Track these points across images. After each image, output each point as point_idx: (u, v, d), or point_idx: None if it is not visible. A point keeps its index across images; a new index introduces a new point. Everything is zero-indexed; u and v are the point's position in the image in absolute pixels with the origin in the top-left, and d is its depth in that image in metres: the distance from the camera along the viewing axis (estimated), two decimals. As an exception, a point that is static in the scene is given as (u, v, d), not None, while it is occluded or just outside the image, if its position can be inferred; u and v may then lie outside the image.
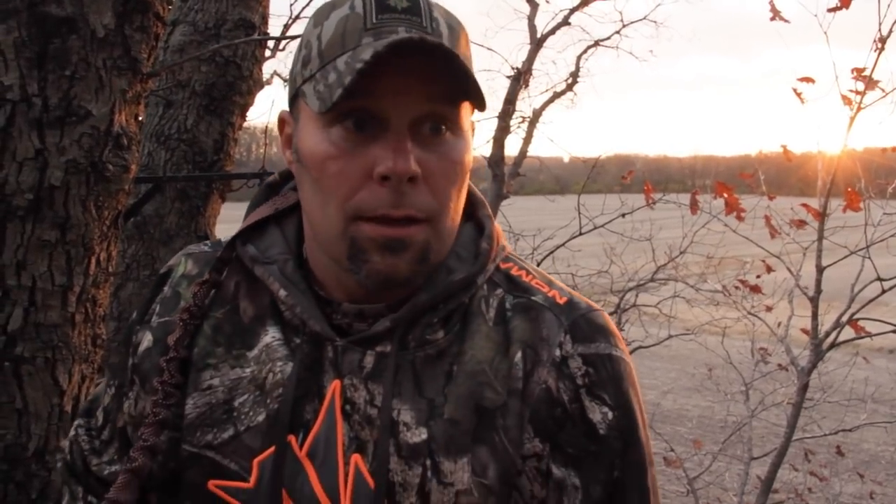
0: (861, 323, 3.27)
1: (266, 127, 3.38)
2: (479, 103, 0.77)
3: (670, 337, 5.12)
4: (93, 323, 1.60)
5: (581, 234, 4.47)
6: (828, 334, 3.26)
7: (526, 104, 7.78)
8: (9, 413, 1.49)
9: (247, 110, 2.86)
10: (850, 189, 3.25)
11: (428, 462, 0.78)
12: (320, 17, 0.79)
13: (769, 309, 4.51)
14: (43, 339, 1.51)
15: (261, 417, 0.82)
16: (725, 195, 3.52)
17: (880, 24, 2.94)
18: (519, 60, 6.86)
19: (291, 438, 0.80)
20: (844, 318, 3.25)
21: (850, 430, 4.20)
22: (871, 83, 2.95)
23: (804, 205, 3.39)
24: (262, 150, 3.35)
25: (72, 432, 1.00)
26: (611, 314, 4.96)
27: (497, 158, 6.41)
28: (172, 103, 2.72)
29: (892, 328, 3.18)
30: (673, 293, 5.43)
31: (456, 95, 0.76)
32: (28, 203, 1.45)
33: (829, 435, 4.30)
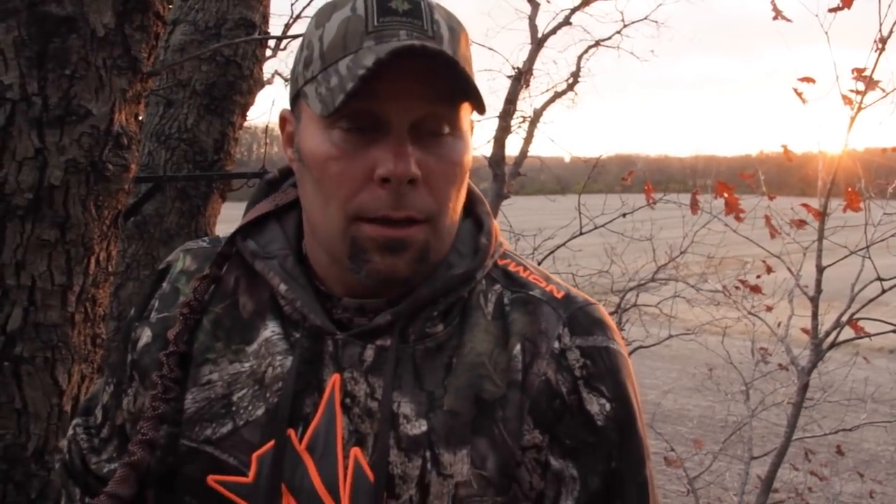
0: (861, 323, 3.28)
1: (267, 126, 3.38)
2: (479, 106, 0.78)
3: (671, 337, 5.12)
4: (92, 323, 1.60)
5: (582, 233, 4.47)
6: (828, 334, 3.26)
7: (527, 104, 7.78)
8: (8, 413, 1.49)
9: (247, 110, 2.86)
10: (850, 189, 3.25)
11: (428, 454, 0.79)
12: (322, 17, 0.79)
13: (769, 309, 4.52)
14: (42, 338, 1.51)
15: (260, 412, 0.82)
16: (726, 195, 3.52)
17: (881, 24, 2.94)
18: (520, 60, 6.87)
19: (291, 432, 0.81)
20: (844, 318, 3.25)
21: (850, 430, 4.20)
22: (871, 83, 2.95)
23: (804, 205, 3.39)
24: (262, 150, 3.35)
25: (70, 431, 1.00)
26: (611, 314, 4.94)
27: (498, 158, 6.41)
28: (173, 103, 2.72)
29: (892, 328, 3.18)
30: (673, 293, 5.43)
31: (456, 96, 0.77)
32: (28, 202, 1.45)
33: (830, 434, 4.30)
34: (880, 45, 2.94)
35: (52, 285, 1.50)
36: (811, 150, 3.48)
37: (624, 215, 4.69)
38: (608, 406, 0.82)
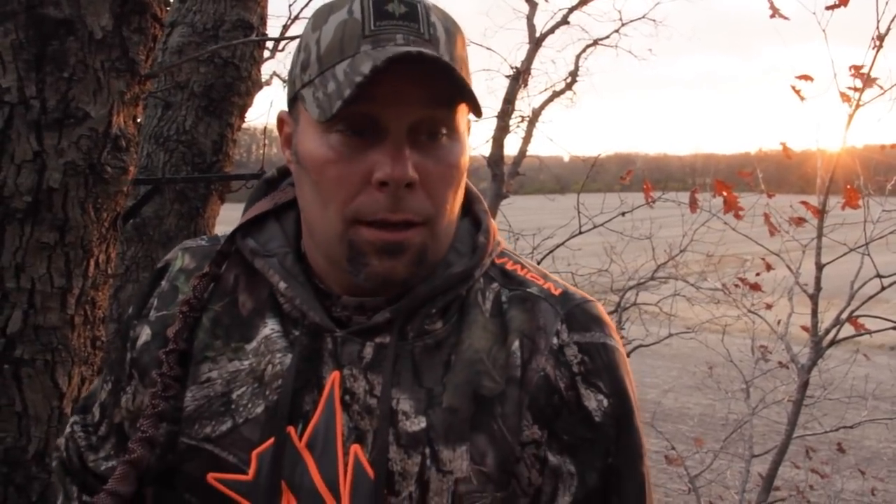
0: (861, 320, 3.28)
1: (265, 128, 3.38)
2: (475, 109, 0.78)
3: (671, 335, 5.12)
4: (92, 325, 1.61)
5: (581, 232, 4.47)
6: (828, 331, 3.26)
7: (525, 103, 7.78)
8: (8, 416, 1.49)
9: (245, 111, 2.86)
10: (849, 186, 3.25)
11: (427, 450, 0.79)
12: (319, 20, 0.79)
13: (769, 307, 4.52)
14: (42, 341, 1.51)
15: (259, 409, 0.82)
16: (724, 193, 3.53)
17: (878, 21, 2.94)
18: (518, 60, 6.88)
19: (290, 429, 0.81)
20: (844, 316, 3.25)
21: (851, 427, 4.20)
22: (869, 80, 2.95)
23: (803, 202, 3.39)
24: (261, 151, 3.36)
25: (67, 429, 1.00)
26: (611, 313, 4.96)
27: (497, 158, 6.41)
28: (171, 105, 2.72)
29: (891, 325, 3.18)
30: (673, 291, 5.43)
31: (453, 99, 0.77)
32: (27, 205, 1.45)
33: (830, 432, 4.30)
34: (878, 42, 2.95)
35: (51, 288, 1.50)
36: (810, 148, 3.49)
37: (623, 214, 4.69)
38: (606, 402, 0.82)
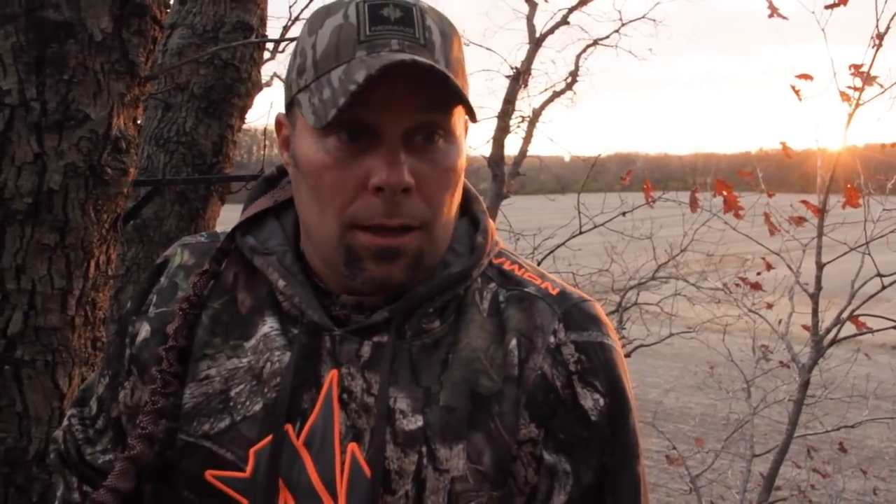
0: (862, 319, 3.28)
1: (265, 129, 3.39)
2: (470, 114, 0.79)
3: (672, 335, 5.12)
4: (93, 326, 1.61)
5: (581, 232, 4.47)
6: (828, 331, 3.26)
7: (525, 104, 7.78)
8: (9, 416, 1.50)
9: (246, 112, 2.86)
10: (849, 185, 3.25)
11: (424, 449, 0.79)
12: (315, 24, 0.80)
13: (770, 306, 4.52)
14: (43, 342, 1.51)
15: (257, 407, 0.83)
16: (725, 193, 3.53)
17: (878, 20, 2.95)
18: (518, 60, 6.87)
19: (288, 427, 0.81)
20: (845, 315, 3.25)
21: (852, 427, 4.20)
22: (869, 79, 2.95)
23: (804, 201, 3.39)
24: (262, 152, 3.36)
25: (65, 422, 1.00)
26: (612, 313, 4.97)
27: (497, 158, 6.41)
28: (171, 106, 2.72)
29: (892, 324, 3.18)
30: (674, 291, 5.43)
31: (448, 103, 0.78)
32: (27, 207, 1.45)
33: (832, 431, 4.30)
34: (877, 41, 2.95)
35: (52, 289, 1.51)
36: (810, 147, 3.49)
37: (624, 214, 4.70)
38: (602, 401, 0.83)
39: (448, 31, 0.80)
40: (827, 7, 3.05)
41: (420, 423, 0.80)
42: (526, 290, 0.86)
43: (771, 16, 3.23)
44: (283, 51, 5.13)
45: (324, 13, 0.79)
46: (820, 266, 3.19)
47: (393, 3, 0.77)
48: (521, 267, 0.89)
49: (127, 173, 1.58)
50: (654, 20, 7.94)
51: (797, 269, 3.59)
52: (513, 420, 0.81)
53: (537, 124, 7.22)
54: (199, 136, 2.73)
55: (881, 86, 3.00)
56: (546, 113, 7.38)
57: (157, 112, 2.74)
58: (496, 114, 6.56)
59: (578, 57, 7.57)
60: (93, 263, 1.57)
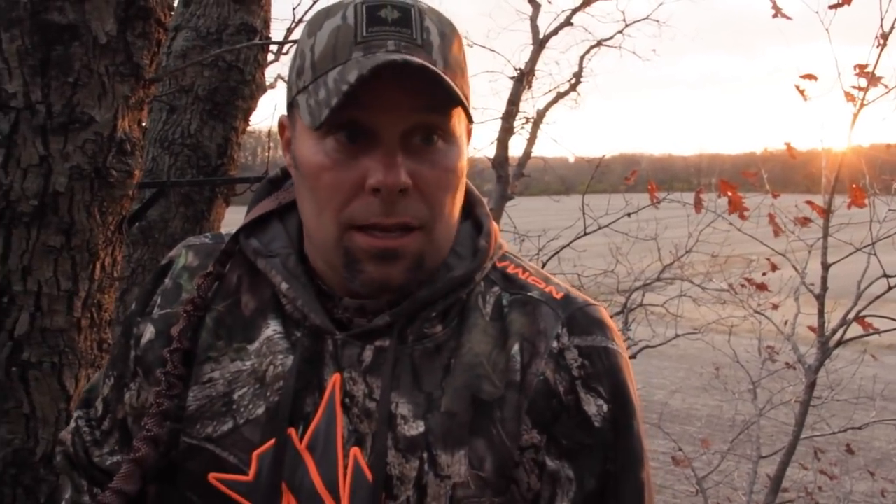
0: (868, 320, 3.26)
1: (270, 131, 3.39)
2: (467, 116, 0.79)
3: (677, 336, 5.11)
4: (98, 328, 1.61)
5: (586, 234, 4.47)
6: (835, 332, 3.25)
7: (529, 105, 7.77)
8: (16, 418, 1.50)
9: (250, 114, 2.87)
10: (854, 185, 3.24)
11: (425, 455, 0.79)
12: (314, 26, 0.80)
13: (776, 307, 4.51)
14: (49, 344, 1.52)
15: (260, 410, 0.82)
16: (729, 193, 3.52)
17: (882, 19, 2.94)
18: (522, 61, 6.88)
19: (291, 431, 0.81)
20: (851, 316, 3.24)
21: (859, 428, 4.18)
22: (873, 79, 2.94)
23: (809, 202, 3.38)
24: (266, 154, 3.37)
25: (72, 424, 1.00)
26: (617, 314, 4.96)
27: (501, 159, 6.41)
28: (176, 108, 2.73)
29: (899, 325, 3.17)
30: (679, 292, 5.43)
31: (446, 104, 0.77)
32: (33, 209, 1.46)
33: (839, 433, 4.28)
34: (882, 41, 2.94)
35: (58, 291, 1.51)
36: (815, 148, 3.48)
37: (628, 215, 4.69)
38: (605, 407, 0.81)
39: (448, 33, 0.79)
40: (831, 7, 3.04)
41: (421, 429, 0.79)
42: (529, 294, 0.85)
43: (775, 16, 3.23)
44: (286, 53, 5.15)
45: (323, 15, 0.79)
46: (826, 267, 3.18)
47: (391, 4, 0.77)
48: (525, 270, 0.88)
49: (132, 175, 1.58)
50: (657, 21, 7.96)
51: (803, 269, 3.58)
52: (515, 426, 0.80)
53: (541, 125, 7.23)
54: (203, 138, 2.73)
55: (886, 86, 2.99)
56: (550, 114, 7.40)
57: (162, 114, 2.75)
58: (500, 115, 6.57)
59: (582, 58, 7.59)
60: (98, 265, 1.57)
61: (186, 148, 2.72)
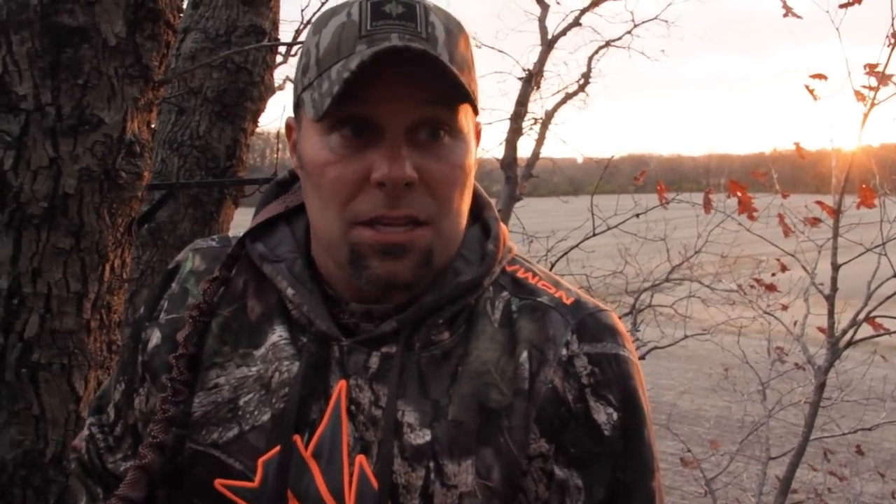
0: (878, 321, 3.24)
1: (278, 132, 3.40)
2: (472, 106, 0.77)
3: (686, 337, 5.09)
4: (108, 329, 1.62)
5: (595, 234, 4.46)
6: (844, 332, 3.23)
7: (538, 105, 7.77)
8: (26, 419, 1.51)
9: (258, 116, 2.88)
10: (864, 185, 3.23)
11: (431, 464, 0.78)
12: (319, 24, 0.79)
13: (785, 308, 4.48)
14: (59, 345, 1.52)
15: (266, 417, 0.82)
16: (739, 194, 3.50)
17: (893, 18, 2.92)
18: (530, 62, 6.87)
19: (297, 438, 0.80)
20: (861, 316, 3.22)
21: (869, 430, 4.15)
22: (884, 79, 2.92)
23: (819, 202, 3.36)
24: (275, 155, 3.37)
25: (85, 431, 1.00)
26: (626, 315, 4.95)
27: (510, 160, 6.41)
28: (185, 110, 2.74)
29: (910, 325, 3.15)
30: (688, 293, 5.41)
31: (452, 99, 0.76)
32: (43, 211, 1.47)
33: (849, 434, 4.25)
34: (893, 40, 2.92)
35: (67, 293, 1.52)
36: (825, 148, 3.46)
37: (637, 216, 4.68)
38: (615, 415, 0.80)
39: (454, 30, 0.79)
40: (841, 6, 3.03)
41: (428, 438, 0.78)
42: (539, 299, 0.84)
43: (786, 15, 3.21)
44: (295, 54, 5.16)
45: (329, 13, 0.79)
46: (835, 267, 3.16)
47: (396, 0, 0.76)
48: (535, 275, 0.87)
49: (141, 177, 1.59)
50: (666, 21, 7.94)
51: (812, 270, 3.57)
52: (523, 435, 0.79)
53: (550, 126, 7.21)
54: (212, 139, 2.74)
55: (896, 85, 2.97)
56: (558, 115, 7.38)
57: (171, 116, 2.76)
58: (508, 116, 6.56)
59: (591, 58, 7.56)
60: (108, 267, 1.58)
61: (195, 149, 2.73)
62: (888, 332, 3.28)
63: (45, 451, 1.52)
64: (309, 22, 4.87)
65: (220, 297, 0.88)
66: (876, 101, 2.98)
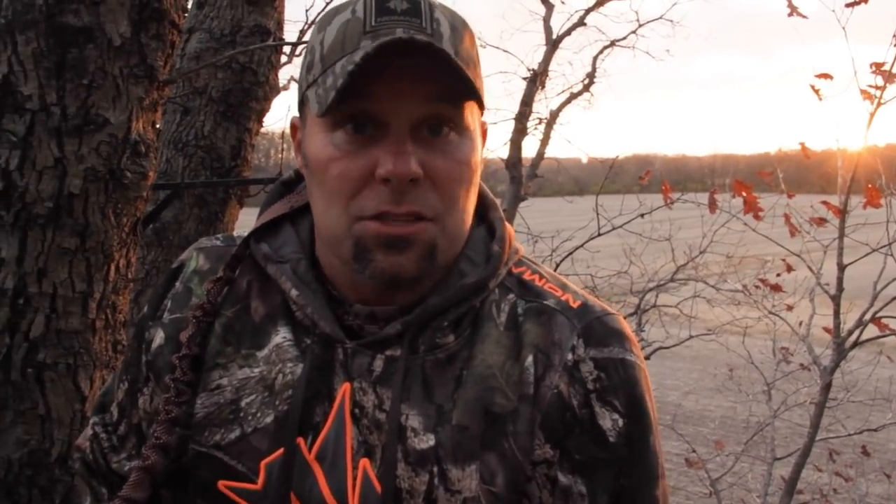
0: (884, 321, 3.23)
1: (283, 132, 3.40)
2: (478, 101, 0.77)
3: (691, 337, 5.09)
4: (113, 329, 1.62)
5: (600, 234, 4.46)
6: (850, 333, 3.22)
7: (542, 105, 7.77)
8: (32, 419, 1.51)
9: (263, 116, 2.88)
10: (870, 185, 3.22)
11: (435, 469, 0.77)
12: (324, 22, 0.79)
13: (790, 308, 4.47)
14: (64, 345, 1.52)
15: (269, 419, 0.81)
16: (744, 194, 3.49)
17: (900, 18, 2.90)
18: (535, 62, 6.87)
19: (300, 441, 0.80)
20: (867, 317, 3.21)
21: (875, 430, 4.14)
22: (890, 78, 2.91)
23: (824, 202, 3.35)
24: (280, 155, 3.38)
25: (89, 431, 0.99)
26: (631, 315, 4.95)
27: (514, 160, 6.41)
28: (189, 110, 2.74)
29: (916, 326, 3.14)
30: (693, 293, 5.40)
31: (458, 96, 0.76)
32: (48, 211, 1.47)
33: (854, 435, 4.25)
34: (899, 40, 2.91)
35: (73, 292, 1.52)
36: (830, 147, 3.45)
37: (642, 216, 4.67)
38: (621, 421, 0.79)
39: (458, 27, 0.78)
40: (847, 5, 3.02)
41: (432, 443, 0.77)
42: (545, 302, 0.83)
43: (791, 14, 3.20)
44: (299, 54, 5.16)
45: (333, 11, 0.79)
46: (841, 267, 3.15)
47: None
48: (541, 277, 0.86)
49: (146, 177, 1.59)
50: (671, 21, 7.97)
51: (818, 270, 3.55)
52: (527, 440, 0.78)
53: (554, 126, 7.21)
54: (217, 139, 2.74)
55: (903, 85, 2.96)
56: (563, 115, 7.38)
57: (176, 116, 2.76)
58: (513, 116, 6.57)
59: (595, 58, 7.56)
60: (113, 267, 1.58)
61: (200, 149, 2.73)
62: (894, 333, 3.27)
63: (51, 451, 1.52)
64: (313, 22, 4.88)
65: (224, 297, 0.88)
66: (882, 101, 2.97)
